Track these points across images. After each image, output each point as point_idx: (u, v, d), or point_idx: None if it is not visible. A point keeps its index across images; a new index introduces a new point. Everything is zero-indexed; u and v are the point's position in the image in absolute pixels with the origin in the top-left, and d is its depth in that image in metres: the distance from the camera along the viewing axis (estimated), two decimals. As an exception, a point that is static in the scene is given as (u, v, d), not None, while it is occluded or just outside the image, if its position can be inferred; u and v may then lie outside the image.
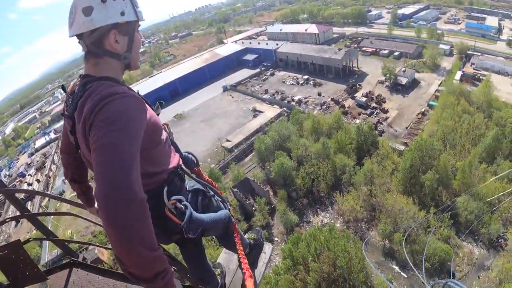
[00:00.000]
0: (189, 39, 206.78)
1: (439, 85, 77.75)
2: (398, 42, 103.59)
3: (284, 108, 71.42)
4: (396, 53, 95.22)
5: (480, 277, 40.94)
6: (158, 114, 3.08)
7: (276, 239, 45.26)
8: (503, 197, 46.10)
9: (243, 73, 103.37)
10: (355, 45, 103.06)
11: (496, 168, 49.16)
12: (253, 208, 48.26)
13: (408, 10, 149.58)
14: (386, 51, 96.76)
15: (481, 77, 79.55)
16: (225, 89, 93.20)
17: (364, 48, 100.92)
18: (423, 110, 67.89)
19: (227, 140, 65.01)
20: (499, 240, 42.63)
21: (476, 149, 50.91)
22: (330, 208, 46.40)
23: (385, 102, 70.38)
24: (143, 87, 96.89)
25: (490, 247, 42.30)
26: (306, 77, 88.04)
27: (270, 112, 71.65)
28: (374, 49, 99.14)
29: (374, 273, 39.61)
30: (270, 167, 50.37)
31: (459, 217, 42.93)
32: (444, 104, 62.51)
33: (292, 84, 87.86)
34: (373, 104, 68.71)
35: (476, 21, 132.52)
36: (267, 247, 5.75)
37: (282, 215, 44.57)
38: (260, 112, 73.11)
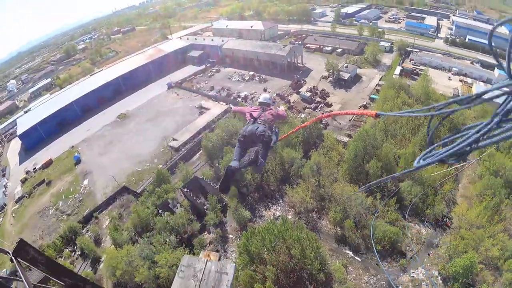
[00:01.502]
0: (133, 35, 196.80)
1: (379, 80, 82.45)
2: (341, 40, 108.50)
3: (230, 105, 70.97)
4: (339, 50, 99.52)
5: (430, 255, 44.35)
6: None
7: (230, 236, 44.90)
8: (444, 180, 50.68)
9: (188, 70, 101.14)
10: (300, 42, 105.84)
11: None
12: (205, 207, 47.35)
13: (351, 9, 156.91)
14: (330, 48, 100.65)
15: (419, 71, 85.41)
16: (170, 86, 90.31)
17: (308, 45, 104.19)
18: (365, 103, 71.84)
19: (174, 139, 62.92)
20: (444, 220, 46.55)
21: (416, 138, 55.13)
22: (281, 201, 47.14)
23: (329, 96, 73.32)
24: (84, 86, 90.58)
25: (436, 226, 46.02)
26: (252, 73, 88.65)
27: (216, 109, 70.83)
28: (318, 46, 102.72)
29: (330, 260, 41.37)
30: (219, 164, 49.73)
31: (404, 201, 46.27)
32: (385, 97, 66.36)
33: (238, 80, 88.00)
34: (318, 99, 71.20)
35: (415, 20, 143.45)
36: (229, 267, 5.30)
37: (234, 212, 44.32)
38: (207, 109, 71.97)
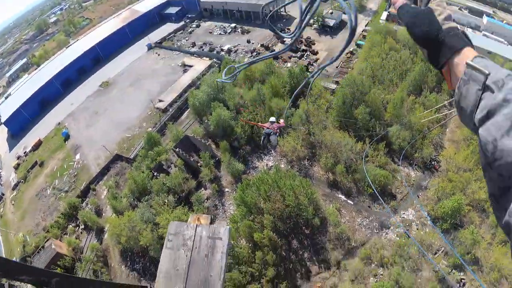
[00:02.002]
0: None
1: (366, 25, 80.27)
2: None
3: (214, 60, 69.03)
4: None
5: (420, 197, 46.29)
6: None
7: (226, 189, 45.84)
8: (432, 125, 51.43)
9: (167, 28, 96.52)
10: None
11: (424, 99, 54.03)
12: (198, 164, 47.70)
13: None
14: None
15: None
16: (150, 47, 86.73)
17: None
18: (351, 49, 69.96)
19: (160, 101, 61.77)
20: (432, 163, 48.08)
21: (404, 83, 55.10)
22: (272, 151, 47.59)
23: (314, 44, 71.43)
24: (61, 59, 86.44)
25: (425, 169, 47.67)
26: (233, 25, 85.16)
27: (200, 65, 68.87)
28: None
29: (324, 205, 42.88)
30: (208, 120, 49.38)
31: (393, 145, 47.15)
32: (372, 42, 65.26)
33: (220, 33, 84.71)
34: (303, 47, 69.36)
35: None
36: (223, 231, 4.95)
37: (228, 166, 44.83)
38: (190, 66, 69.94)
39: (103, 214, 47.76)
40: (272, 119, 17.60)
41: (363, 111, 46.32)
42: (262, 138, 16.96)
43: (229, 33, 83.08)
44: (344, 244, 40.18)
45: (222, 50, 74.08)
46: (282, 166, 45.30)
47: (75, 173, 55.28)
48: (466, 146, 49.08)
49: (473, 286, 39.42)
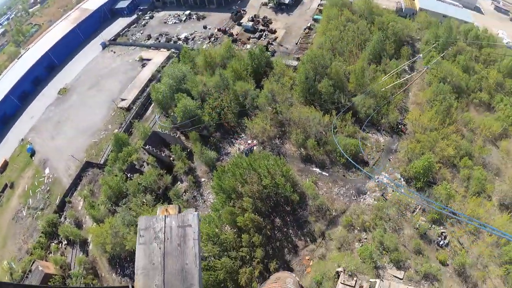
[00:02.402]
0: (51, 1, 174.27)
1: (321, 0, 79.68)
2: None
3: (172, 50, 67.07)
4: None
5: (391, 160, 47.63)
6: None
7: (203, 179, 45.37)
8: (395, 90, 52.64)
9: (119, 24, 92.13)
10: None
11: (384, 67, 55.21)
12: (171, 158, 46.89)
13: None
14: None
15: None
16: (104, 45, 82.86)
17: None
18: (309, 24, 70.32)
19: (122, 99, 59.69)
20: (399, 126, 49.56)
21: (363, 53, 56.07)
22: (243, 135, 47.46)
23: (271, 23, 70.81)
24: (14, 72, 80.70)
25: (393, 133, 49.10)
26: (188, 12, 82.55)
27: (158, 57, 66.81)
28: None
29: (300, 180, 43.44)
30: (174, 113, 48.31)
31: (359, 114, 48.07)
32: (328, 16, 65.28)
33: (175, 22, 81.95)
34: (261, 27, 68.65)
35: None
36: (191, 217, 4.72)
37: (200, 156, 44.30)
38: (148, 60, 67.69)
39: (84, 225, 46.24)
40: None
41: (327, 84, 46.83)
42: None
43: (184, 21, 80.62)
44: (325, 215, 41.12)
45: (179, 39, 72.06)
46: (255, 148, 45.27)
47: (48, 189, 52.91)
48: (430, 107, 51.12)
49: (454, 238, 41.76)
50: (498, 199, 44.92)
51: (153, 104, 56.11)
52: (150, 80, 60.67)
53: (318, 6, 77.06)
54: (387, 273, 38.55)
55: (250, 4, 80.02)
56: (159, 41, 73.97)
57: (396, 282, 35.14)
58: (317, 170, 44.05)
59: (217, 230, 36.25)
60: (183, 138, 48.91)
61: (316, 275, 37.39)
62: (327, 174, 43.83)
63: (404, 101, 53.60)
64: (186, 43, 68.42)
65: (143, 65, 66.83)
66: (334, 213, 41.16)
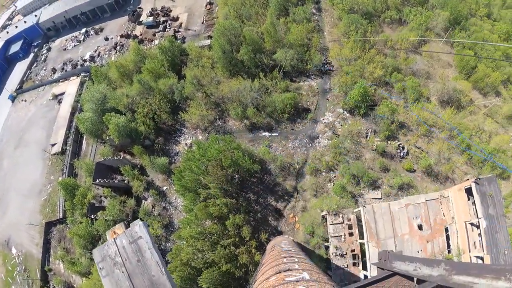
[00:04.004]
0: None
1: None
2: None
3: (82, 74, 62.83)
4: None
5: (329, 98, 48.87)
6: None
7: (165, 188, 44.24)
8: (310, 34, 53.10)
9: (19, 69, 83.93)
10: None
11: (294, 16, 55.20)
12: (125, 181, 45.12)
13: None
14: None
15: None
16: (13, 98, 75.61)
17: None
18: (208, 0, 68.14)
19: (53, 145, 55.62)
20: (326, 66, 50.71)
21: (269, 10, 55.37)
22: (184, 129, 46.46)
23: (171, 11, 67.96)
24: None
25: (322, 74, 50.18)
26: (84, 30, 76.97)
27: (71, 87, 62.27)
28: None
29: (255, 149, 43.75)
30: (109, 135, 45.96)
31: (285, 68, 48.34)
32: None
33: (75, 45, 76.24)
34: (162, 18, 65.81)
35: None
36: (138, 228, 4.68)
37: (152, 167, 43.06)
38: (62, 94, 62.92)
39: (75, 286, 44.45)
40: None
41: (245, 51, 46.61)
42: None
43: (83, 40, 75.20)
44: (290, 170, 42.07)
45: (85, 61, 67.49)
46: (200, 137, 44.65)
47: (23, 267, 49.27)
48: (347, 39, 52.81)
49: (411, 145, 44.53)
50: (437, 98, 48.37)
51: (85, 136, 52.96)
52: (72, 114, 56.81)
53: None
54: (367, 199, 40.86)
55: (145, 1, 76.14)
56: (66, 71, 68.82)
57: (377, 203, 37.30)
58: (266, 134, 44.57)
59: (199, 229, 35.92)
60: (128, 157, 46.97)
61: (306, 227, 38.91)
62: (277, 134, 44.49)
63: (321, 42, 54.75)
64: (94, 62, 64.35)
65: (59, 102, 62.16)
66: (297, 166, 42.23)
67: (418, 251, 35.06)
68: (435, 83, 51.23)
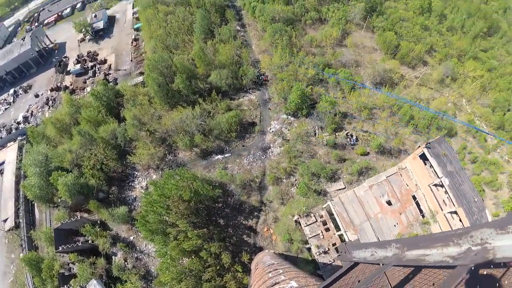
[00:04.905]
0: None
1: (133, 8, 78.34)
2: None
3: (19, 138, 59.21)
4: (79, 5, 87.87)
5: (270, 107, 49.71)
6: None
7: (131, 237, 42.71)
8: (239, 51, 53.81)
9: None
10: (36, 24, 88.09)
11: (220, 36, 56.61)
12: (89, 241, 43.01)
13: None
14: (69, 9, 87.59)
15: None
16: None
17: (47, 20, 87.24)
18: (133, 37, 68.33)
19: (4, 221, 51.89)
20: (260, 78, 53.02)
21: (194, 35, 56.97)
22: (136, 172, 45.30)
23: (98, 54, 66.52)
24: None
25: (259, 86, 52.19)
26: (12, 91, 72.31)
27: (10, 154, 58.20)
28: (57, 15, 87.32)
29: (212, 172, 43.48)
30: (60, 197, 43.74)
31: (222, 88, 49.73)
32: (147, 19, 64.01)
33: (5, 108, 70.65)
34: (90, 64, 63.96)
35: None
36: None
37: (113, 219, 41.42)
38: (2, 164, 58.69)
39: None
40: None
41: (180, 80, 46.69)
42: None
43: (13, 101, 70.70)
44: (252, 186, 42.24)
45: (18, 123, 63.52)
46: (154, 176, 43.72)
47: None
48: (274, 48, 54.99)
49: (357, 131, 46.71)
50: (370, 82, 50.92)
51: (36, 204, 50.06)
52: (17, 183, 53.38)
53: (133, 15, 75.34)
54: (332, 192, 41.86)
55: (69, 46, 73.72)
56: (1, 138, 64.47)
57: (342, 193, 38.33)
58: (219, 156, 44.59)
59: (178, 268, 35.01)
60: (86, 215, 44.88)
61: (283, 236, 39.11)
62: (230, 154, 44.70)
63: (251, 56, 56.48)
64: (28, 123, 60.89)
65: (1, 172, 58.14)
66: (257, 180, 42.51)
67: (394, 225, 36.54)
68: (365, 69, 53.99)
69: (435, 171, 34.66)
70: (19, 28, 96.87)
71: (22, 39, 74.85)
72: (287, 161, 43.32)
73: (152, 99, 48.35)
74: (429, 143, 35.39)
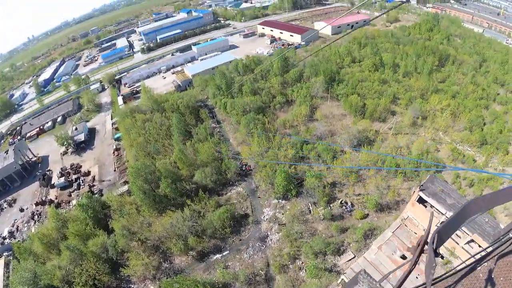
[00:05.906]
0: None
1: (112, 119, 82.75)
2: (54, 107, 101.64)
3: (5, 254, 53.65)
4: (59, 119, 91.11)
5: (260, 196, 50.37)
6: None
7: None
8: (219, 147, 55.85)
9: None
10: (19, 137, 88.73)
11: (197, 136, 60.04)
12: None
13: (47, 73, 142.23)
14: (50, 123, 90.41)
15: (138, 89, 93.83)
16: None
17: (29, 134, 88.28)
18: (115, 146, 70.49)
19: None
20: (244, 170, 54.82)
21: (174, 138, 60.23)
22: (132, 285, 41.20)
23: (81, 166, 67.33)
24: None
25: (244, 177, 53.35)
26: (-5, 208, 69.73)
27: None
28: (39, 128, 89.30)
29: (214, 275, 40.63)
30: None
31: (208, 187, 51.36)
32: (126, 128, 67.40)
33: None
34: (74, 176, 63.82)
35: (109, 50, 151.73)
36: None
37: None
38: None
39: None
40: None
41: (165, 184, 47.52)
42: None
43: (-1, 219, 67.56)
44: (257, 280, 39.31)
45: (4, 238, 59.60)
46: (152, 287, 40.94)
47: None
48: (251, 138, 58.38)
49: (351, 197, 47.39)
50: (349, 147, 53.36)
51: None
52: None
53: (112, 126, 78.99)
54: (342, 264, 39.82)
55: (51, 160, 73.91)
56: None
57: (354, 263, 36.48)
58: (218, 256, 42.72)
59: None
60: None
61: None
62: (228, 251, 43.09)
63: (231, 149, 59.37)
64: (14, 238, 57.42)
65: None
66: (262, 272, 40.27)
67: (416, 277, 33.58)
68: (340, 136, 56.73)
69: (437, 209, 34.15)
70: (2, 141, 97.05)
71: (5, 152, 74.66)
72: (289, 245, 42.05)
73: (139, 207, 47.83)
74: (422, 185, 35.61)
